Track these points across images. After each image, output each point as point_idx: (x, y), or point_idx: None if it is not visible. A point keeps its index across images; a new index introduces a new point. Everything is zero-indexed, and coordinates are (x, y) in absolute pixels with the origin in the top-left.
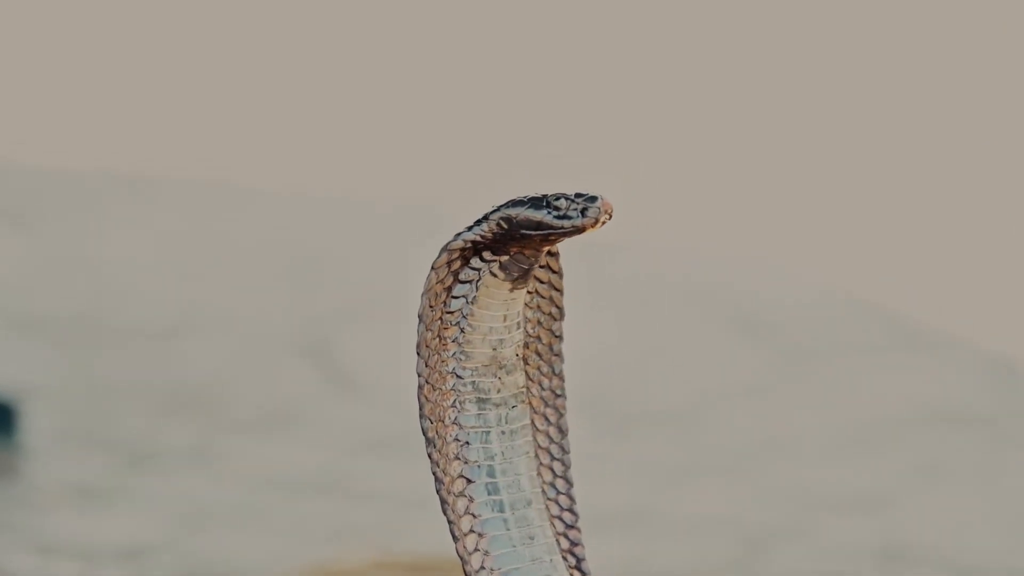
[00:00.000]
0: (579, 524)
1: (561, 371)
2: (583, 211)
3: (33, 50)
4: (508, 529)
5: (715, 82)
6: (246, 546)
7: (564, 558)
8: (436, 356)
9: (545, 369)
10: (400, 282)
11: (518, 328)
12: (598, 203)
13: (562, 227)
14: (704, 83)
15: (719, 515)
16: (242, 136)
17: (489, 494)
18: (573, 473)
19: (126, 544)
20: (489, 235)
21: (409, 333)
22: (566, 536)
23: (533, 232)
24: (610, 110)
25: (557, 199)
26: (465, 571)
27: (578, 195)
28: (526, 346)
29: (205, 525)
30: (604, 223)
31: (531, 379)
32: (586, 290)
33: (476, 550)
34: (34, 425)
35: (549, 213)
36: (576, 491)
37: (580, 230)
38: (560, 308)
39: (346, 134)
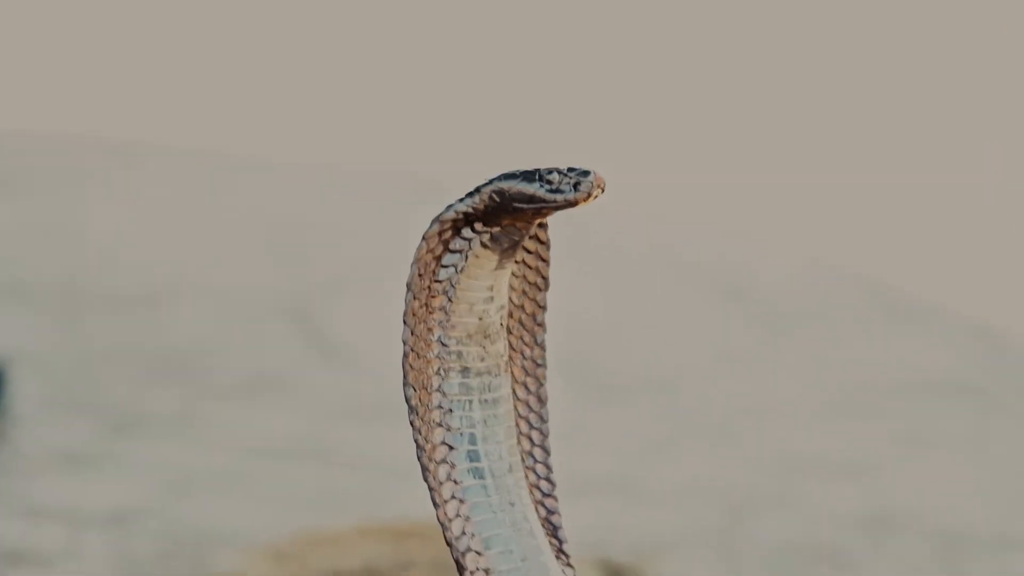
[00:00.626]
0: (555, 493)
1: (543, 341)
2: (576, 185)
3: (21, 15)
4: (489, 495)
5: (706, 57)
6: (231, 511)
7: (541, 526)
8: (422, 324)
9: (527, 338)
10: (385, 251)
11: (504, 298)
12: (590, 177)
13: (554, 201)
14: (695, 58)
15: (704, 482)
16: (230, 105)
17: (471, 461)
18: (554, 441)
19: (112, 509)
20: (481, 207)
21: (394, 302)
22: (543, 504)
23: (526, 205)
24: (601, 83)
25: (550, 173)
26: (446, 537)
27: (571, 169)
28: (510, 315)
29: (190, 491)
30: (596, 197)
31: (513, 348)
32: (572, 259)
33: (457, 516)
34: (21, 391)
35: (542, 187)
36: (560, 458)
37: (572, 204)
38: (545, 279)
39: (334, 103)
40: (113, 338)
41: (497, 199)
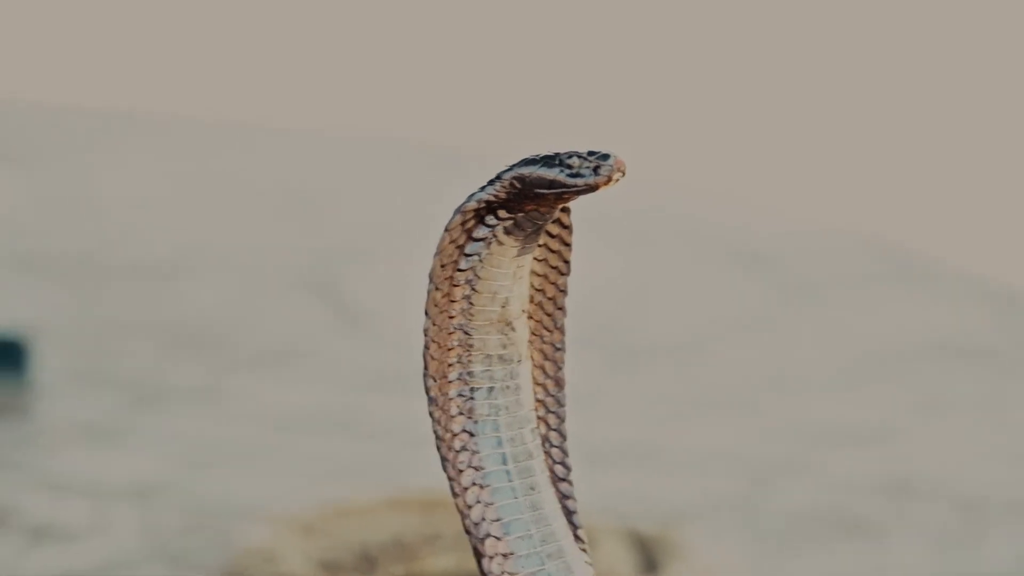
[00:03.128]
0: (571, 477)
1: (563, 325)
2: (596, 169)
3: None
4: (511, 481)
5: (717, 22)
6: (256, 484)
7: (560, 511)
8: (444, 315)
9: (548, 323)
10: (407, 220)
11: (526, 284)
12: (610, 161)
13: (575, 185)
14: (707, 22)
15: (723, 449)
16: (248, 73)
17: (491, 448)
18: (575, 409)
19: (136, 482)
20: (503, 194)
21: (416, 271)
22: (558, 488)
23: (547, 191)
24: (620, 51)
25: (569, 157)
26: (464, 525)
27: (591, 153)
28: (530, 300)
29: (215, 463)
30: (617, 180)
31: (533, 332)
32: (589, 225)
33: (477, 502)
34: (43, 364)
35: (562, 171)
36: (582, 427)
37: (593, 188)
38: (567, 263)
39: (354, 71)
40: (134, 310)
41: (518, 185)
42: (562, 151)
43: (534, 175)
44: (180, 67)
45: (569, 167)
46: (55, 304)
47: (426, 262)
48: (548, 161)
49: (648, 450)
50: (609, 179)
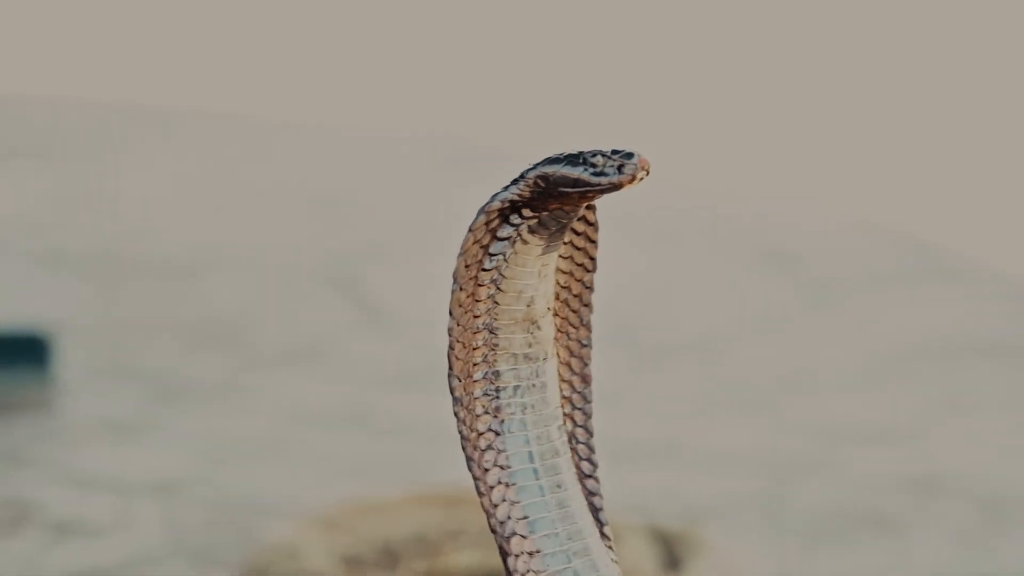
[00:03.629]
0: (597, 473)
1: (589, 321)
2: (620, 167)
3: None
4: (538, 479)
5: (741, 19)
6: (279, 480)
7: (587, 508)
8: (468, 315)
9: (574, 320)
10: (427, 216)
11: (551, 282)
12: (635, 159)
13: (599, 184)
14: (731, 20)
15: (746, 447)
16: (272, 71)
17: (517, 446)
18: (599, 407)
19: (159, 478)
20: (527, 193)
21: (437, 268)
22: (584, 485)
23: (571, 189)
24: (640, 47)
25: (593, 156)
26: (490, 524)
27: (615, 151)
28: (556, 297)
29: (238, 459)
30: (641, 179)
31: (559, 330)
32: (613, 223)
33: (503, 500)
34: (66, 360)
35: (586, 170)
36: (605, 424)
37: (618, 187)
38: (593, 260)
39: (379, 69)
40: (157, 306)
41: (542, 184)
42: (586, 150)
43: (558, 174)
44: (204, 64)
45: (593, 166)
46: (78, 300)
47: (449, 259)
48: (572, 160)
49: (671, 448)
50: (633, 178)
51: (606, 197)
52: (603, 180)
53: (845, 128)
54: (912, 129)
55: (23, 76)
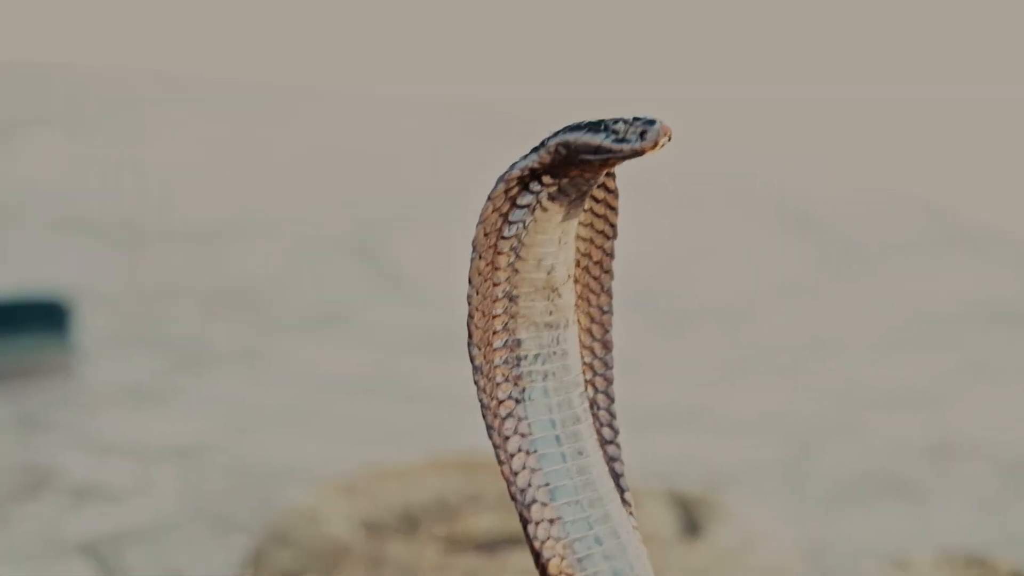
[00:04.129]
0: (618, 439)
1: (610, 288)
2: (642, 134)
3: None
4: (560, 445)
5: None
6: (299, 446)
7: (608, 475)
8: (488, 283)
9: (595, 287)
10: (449, 183)
11: (571, 249)
12: (657, 126)
13: (621, 151)
14: None
15: (769, 412)
16: (296, 37)
17: (539, 413)
18: (621, 372)
19: (180, 444)
20: (548, 161)
21: (459, 234)
22: (605, 451)
23: (592, 157)
24: (662, 11)
25: (615, 123)
26: (510, 492)
27: (636, 118)
28: (577, 264)
29: (258, 425)
30: (663, 146)
31: (580, 297)
32: (636, 189)
33: (523, 468)
34: (87, 326)
35: (607, 137)
36: (626, 390)
37: (640, 153)
38: (614, 227)
39: (403, 34)
40: (177, 273)
41: (563, 152)
42: (607, 117)
43: (579, 141)
44: (230, 31)
45: (615, 132)
46: (101, 267)
47: (471, 226)
48: (593, 127)
49: (694, 413)
50: (656, 144)
51: (627, 163)
52: (625, 147)
53: (870, 92)
54: (932, 94)
55: (47, 44)
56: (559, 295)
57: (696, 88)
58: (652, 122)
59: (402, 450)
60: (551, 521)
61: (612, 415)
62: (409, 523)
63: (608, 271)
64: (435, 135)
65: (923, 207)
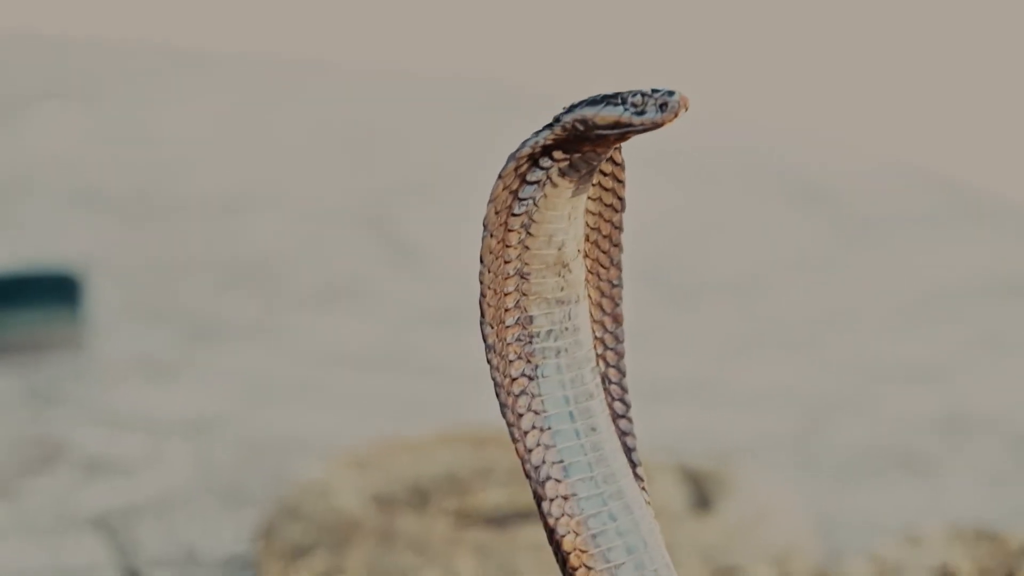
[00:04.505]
0: (629, 414)
1: (619, 261)
2: (662, 106)
3: None
4: (573, 422)
5: None
6: (310, 419)
7: (621, 450)
8: (499, 261)
9: (604, 260)
10: (460, 156)
11: (581, 224)
12: (676, 97)
13: (641, 124)
14: None
15: (781, 386)
16: (304, 10)
17: (552, 390)
18: (632, 345)
19: (192, 417)
20: (562, 136)
21: (469, 207)
22: (617, 426)
23: (610, 131)
24: None
25: (633, 95)
26: (525, 470)
27: (654, 90)
28: (586, 239)
29: (269, 398)
30: (679, 116)
31: (589, 271)
32: (649, 162)
33: (537, 445)
34: (99, 299)
35: (626, 111)
36: (638, 363)
37: (659, 125)
38: (622, 199)
39: (414, 8)
40: (189, 246)
41: (580, 128)
42: (622, 90)
43: (598, 116)
44: (242, 4)
45: (634, 105)
46: (112, 240)
47: (483, 199)
48: (610, 101)
49: (706, 387)
50: (676, 115)
51: (640, 137)
52: (645, 119)
53: (883, 66)
54: (948, 69)
55: (60, 17)
56: (570, 271)
57: (709, 62)
58: (671, 93)
59: (413, 424)
60: (565, 498)
61: (623, 389)
62: (419, 497)
63: (617, 244)
64: (446, 109)
65: (937, 181)
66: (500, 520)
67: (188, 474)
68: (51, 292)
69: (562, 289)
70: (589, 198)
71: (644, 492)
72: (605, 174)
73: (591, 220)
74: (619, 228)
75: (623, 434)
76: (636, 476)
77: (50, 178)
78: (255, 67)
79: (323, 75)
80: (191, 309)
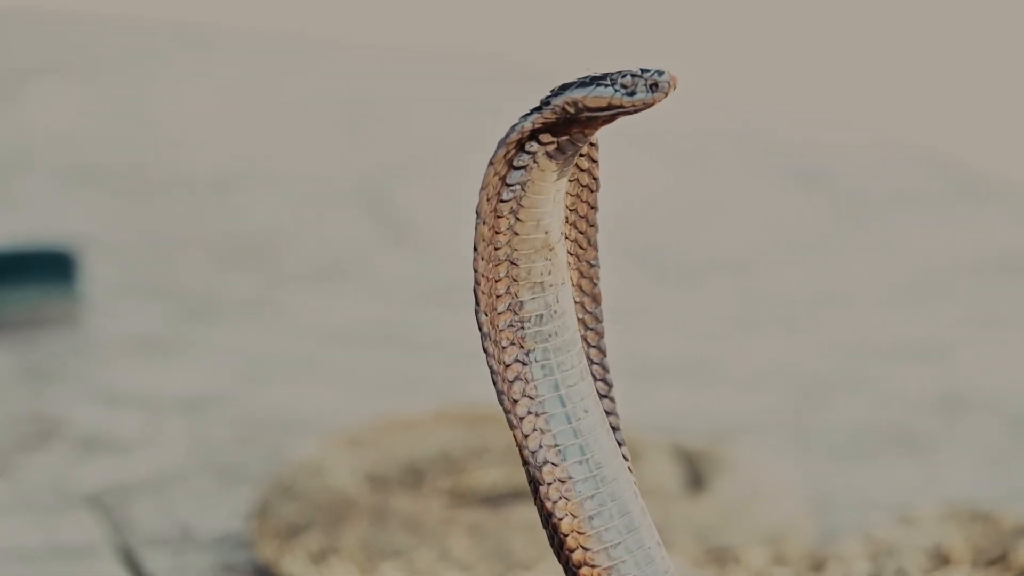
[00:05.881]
0: (612, 393)
1: (596, 241)
2: (652, 86)
3: None
4: (564, 406)
5: None
6: (307, 397)
7: (610, 430)
8: (490, 247)
9: (583, 241)
10: (458, 134)
11: (562, 206)
12: (666, 76)
13: (632, 104)
14: None
15: (777, 365)
16: None
17: (544, 374)
18: (626, 324)
19: (188, 395)
20: (552, 120)
21: (467, 186)
22: (602, 405)
23: (600, 113)
24: None
25: (623, 76)
26: (523, 455)
27: (644, 70)
28: (565, 220)
29: (264, 376)
30: (668, 95)
31: (570, 252)
32: (644, 141)
33: (534, 430)
34: (95, 276)
35: (617, 92)
36: (631, 342)
37: (649, 105)
38: (596, 179)
39: None
40: (186, 223)
41: (571, 110)
42: (611, 71)
43: (588, 98)
44: None
45: (624, 86)
46: (109, 216)
47: (479, 176)
48: (600, 82)
49: (701, 366)
50: (666, 95)
51: (632, 117)
52: (636, 100)
53: (879, 44)
54: (942, 45)
55: None
56: (555, 253)
57: (703, 40)
58: (661, 72)
59: (410, 402)
60: (562, 481)
61: (605, 369)
62: (414, 476)
63: (593, 224)
64: (444, 85)
65: (933, 159)
66: (495, 499)
67: (184, 452)
68: (48, 269)
69: (549, 273)
70: (567, 180)
71: (631, 473)
72: (581, 155)
73: (569, 201)
74: (595, 208)
75: (607, 414)
76: (623, 457)
77: (47, 154)
78: (254, 44)
79: (322, 52)
80: (188, 286)
